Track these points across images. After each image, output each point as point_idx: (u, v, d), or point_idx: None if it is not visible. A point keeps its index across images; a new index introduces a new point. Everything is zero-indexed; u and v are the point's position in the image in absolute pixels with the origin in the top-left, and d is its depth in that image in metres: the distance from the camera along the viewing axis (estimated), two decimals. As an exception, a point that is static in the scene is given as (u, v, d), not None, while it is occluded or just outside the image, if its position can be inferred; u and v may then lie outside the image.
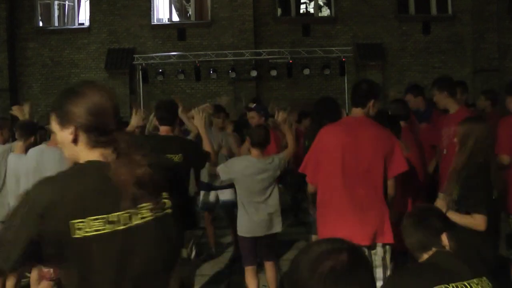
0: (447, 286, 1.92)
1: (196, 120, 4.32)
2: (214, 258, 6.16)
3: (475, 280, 1.97)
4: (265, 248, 4.36)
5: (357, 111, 3.62)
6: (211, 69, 14.26)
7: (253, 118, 5.84)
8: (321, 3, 16.88)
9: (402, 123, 4.36)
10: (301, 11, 17.65)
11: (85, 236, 1.48)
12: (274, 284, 4.44)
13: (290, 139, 4.50)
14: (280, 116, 4.51)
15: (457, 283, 1.94)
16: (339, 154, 3.33)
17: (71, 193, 1.49)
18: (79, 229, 1.48)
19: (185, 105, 4.93)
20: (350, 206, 3.31)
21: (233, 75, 14.22)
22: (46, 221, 1.46)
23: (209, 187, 5.89)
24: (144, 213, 1.56)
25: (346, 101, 13.94)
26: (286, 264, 5.85)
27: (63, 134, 1.61)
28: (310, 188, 3.60)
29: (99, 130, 1.59)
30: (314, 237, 4.84)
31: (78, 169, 1.58)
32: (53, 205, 1.47)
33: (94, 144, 1.60)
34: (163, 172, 1.62)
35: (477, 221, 3.10)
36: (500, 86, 10.88)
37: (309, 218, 5.16)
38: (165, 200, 1.61)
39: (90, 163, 1.58)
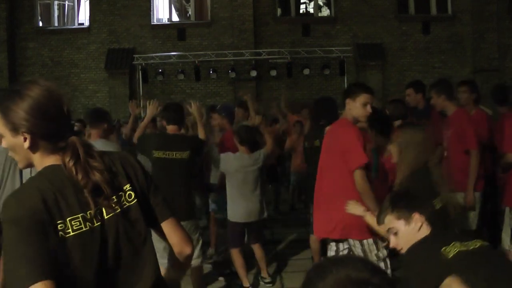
0: (460, 242, 2.12)
1: (193, 110, 4.61)
2: (214, 258, 6.18)
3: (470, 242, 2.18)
4: (255, 232, 5.01)
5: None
6: (211, 69, 14.26)
7: (215, 119, 6.03)
8: (321, 3, 16.88)
9: (399, 122, 4.38)
10: (301, 11, 17.65)
11: (66, 236, 1.50)
12: (263, 261, 5.09)
13: (267, 138, 4.98)
14: (256, 120, 5.09)
15: (464, 242, 2.13)
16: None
17: (49, 198, 1.50)
18: (61, 230, 1.50)
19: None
20: (316, 201, 3.74)
21: (233, 75, 14.22)
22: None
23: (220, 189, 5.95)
24: (108, 209, 1.60)
25: (346, 101, 13.94)
26: (285, 264, 5.85)
27: (15, 140, 1.58)
28: None
29: (53, 135, 1.58)
30: (312, 237, 4.95)
31: (45, 175, 1.57)
32: (39, 213, 1.48)
33: (51, 151, 1.59)
34: (126, 166, 1.68)
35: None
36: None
37: (310, 219, 5.20)
38: (129, 192, 1.65)
39: (51, 168, 1.58)
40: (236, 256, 4.86)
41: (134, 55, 14.45)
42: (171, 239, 1.76)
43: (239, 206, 4.82)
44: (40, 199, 1.48)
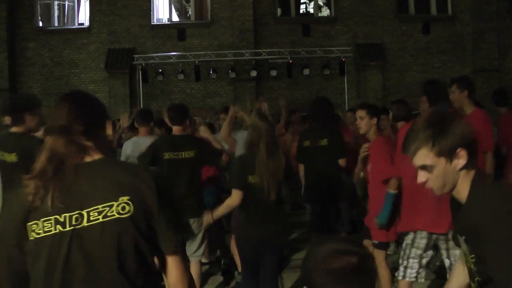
0: None
1: (202, 132, 5.04)
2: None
3: None
4: None
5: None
6: (211, 69, 14.26)
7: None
8: (321, 3, 16.88)
9: (402, 123, 4.38)
10: (301, 11, 17.65)
11: (36, 237, 1.53)
12: None
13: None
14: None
15: None
16: None
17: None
18: (33, 230, 1.54)
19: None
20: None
21: (233, 75, 14.22)
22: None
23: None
24: (92, 216, 1.56)
25: (346, 101, 13.95)
26: (285, 264, 5.86)
27: None
28: None
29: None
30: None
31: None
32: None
33: None
34: (134, 180, 1.61)
35: (231, 197, 3.72)
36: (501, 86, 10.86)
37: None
38: (124, 205, 1.57)
39: None
40: (235, 246, 4.74)
41: (134, 55, 14.44)
42: (168, 276, 1.67)
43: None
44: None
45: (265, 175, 3.60)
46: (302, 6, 18.05)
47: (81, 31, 15.19)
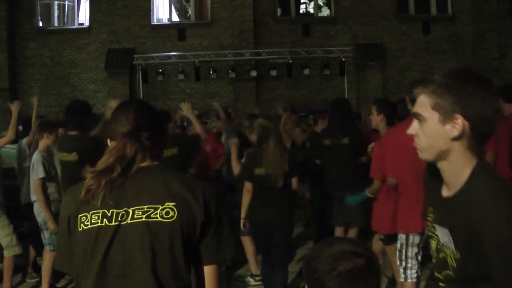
0: None
1: (185, 111, 5.00)
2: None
3: None
4: None
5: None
6: (211, 69, 14.25)
7: None
8: (321, 3, 16.87)
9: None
10: (301, 11, 17.64)
11: (84, 228, 1.65)
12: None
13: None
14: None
15: None
16: None
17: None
18: (82, 222, 1.65)
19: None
20: None
21: (233, 75, 14.21)
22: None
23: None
24: (136, 214, 1.64)
25: (346, 101, 13.92)
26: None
27: None
28: None
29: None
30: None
31: None
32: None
33: None
34: (185, 188, 1.69)
35: (245, 187, 4.28)
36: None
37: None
38: (169, 210, 1.64)
39: None
40: (248, 243, 5.16)
41: (134, 55, 14.44)
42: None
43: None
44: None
45: (273, 166, 4.16)
46: (302, 6, 18.04)
47: (81, 31, 15.19)
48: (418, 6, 15.29)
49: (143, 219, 1.62)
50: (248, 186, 4.28)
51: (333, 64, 14.32)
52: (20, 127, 6.65)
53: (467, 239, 1.44)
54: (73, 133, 4.23)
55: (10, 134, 5.11)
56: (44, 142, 4.84)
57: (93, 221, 1.63)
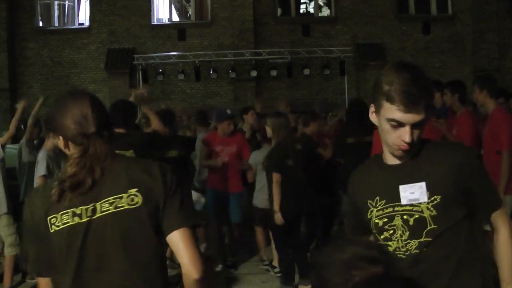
0: None
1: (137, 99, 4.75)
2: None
3: None
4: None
5: None
6: (211, 69, 14.25)
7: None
8: (321, 3, 16.88)
9: None
10: (301, 11, 17.64)
11: (56, 230, 1.64)
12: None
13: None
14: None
15: None
16: None
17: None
18: (53, 224, 1.64)
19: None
20: None
21: (233, 75, 14.21)
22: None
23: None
24: (104, 207, 1.64)
25: (346, 101, 13.93)
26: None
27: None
28: None
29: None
30: None
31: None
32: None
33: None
34: (140, 173, 1.69)
35: (274, 178, 4.68)
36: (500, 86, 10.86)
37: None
38: (133, 196, 1.65)
39: None
40: (260, 234, 5.74)
41: (134, 55, 14.44)
42: (179, 256, 1.65)
43: (264, 194, 5.37)
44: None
45: (294, 158, 4.81)
46: (302, 6, 18.04)
47: (81, 31, 15.19)
48: (418, 6, 15.29)
49: (111, 210, 1.63)
50: (277, 177, 4.69)
51: (333, 64, 14.31)
52: (22, 126, 6.69)
53: (449, 177, 1.68)
54: (120, 130, 4.37)
55: (11, 130, 5.21)
56: (51, 141, 4.92)
57: (64, 221, 1.62)
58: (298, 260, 4.89)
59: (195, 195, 6.31)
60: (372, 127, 5.97)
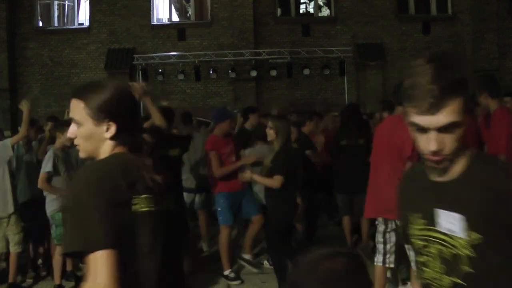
0: None
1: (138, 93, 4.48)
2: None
3: None
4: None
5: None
6: (211, 69, 14.25)
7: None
8: (321, 3, 16.88)
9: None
10: (301, 11, 17.65)
11: (139, 211, 1.69)
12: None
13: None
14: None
15: None
16: None
17: (125, 176, 1.70)
18: (134, 205, 1.69)
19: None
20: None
21: (233, 75, 14.21)
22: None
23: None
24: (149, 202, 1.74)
25: (346, 101, 13.93)
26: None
27: (96, 129, 1.69)
28: None
29: (131, 129, 1.74)
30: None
31: (116, 159, 1.72)
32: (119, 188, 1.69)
33: (122, 143, 1.74)
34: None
35: (274, 181, 4.72)
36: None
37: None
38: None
39: (118, 155, 1.73)
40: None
41: (134, 55, 14.44)
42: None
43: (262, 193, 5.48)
44: (119, 175, 1.64)
45: (296, 161, 4.98)
46: (302, 6, 18.05)
47: (81, 31, 15.19)
48: (418, 6, 15.29)
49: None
50: (281, 180, 4.77)
51: (333, 64, 14.31)
52: (19, 128, 6.72)
53: (495, 212, 1.36)
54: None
55: (22, 130, 5.31)
56: (59, 140, 5.17)
57: (142, 205, 1.69)
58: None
59: (189, 196, 6.34)
60: (366, 130, 6.31)
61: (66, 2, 15.79)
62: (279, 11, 15.67)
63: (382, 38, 15.00)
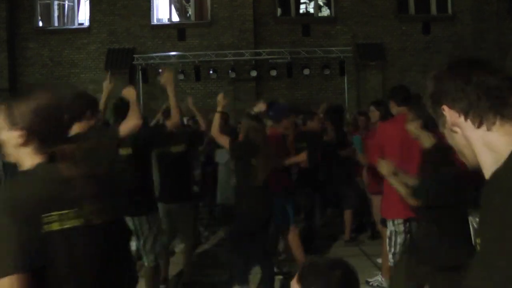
0: None
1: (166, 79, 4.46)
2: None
3: None
4: None
5: None
6: (211, 69, 14.25)
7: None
8: (321, 3, 16.88)
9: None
10: (301, 11, 17.64)
11: (53, 229, 1.61)
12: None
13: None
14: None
15: None
16: None
17: (42, 192, 1.63)
18: (47, 223, 1.60)
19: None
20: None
21: (233, 75, 14.21)
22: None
23: None
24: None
25: (346, 101, 13.94)
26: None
27: (9, 135, 1.67)
28: None
29: (47, 138, 1.68)
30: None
31: (36, 171, 1.66)
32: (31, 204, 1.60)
33: (40, 151, 1.68)
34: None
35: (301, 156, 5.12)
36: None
37: None
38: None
39: (41, 166, 1.68)
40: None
41: (134, 55, 14.44)
42: None
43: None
44: (32, 192, 1.60)
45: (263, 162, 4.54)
46: (302, 6, 18.04)
47: (81, 31, 15.19)
48: (418, 6, 15.29)
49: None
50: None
51: (333, 64, 14.32)
52: None
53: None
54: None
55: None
56: None
57: (61, 222, 1.71)
58: (267, 272, 4.74)
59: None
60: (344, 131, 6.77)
61: (66, 2, 15.79)
62: (279, 11, 15.67)
63: (382, 38, 15.00)
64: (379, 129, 4.77)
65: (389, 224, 4.23)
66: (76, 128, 3.73)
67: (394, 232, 4.20)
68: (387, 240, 4.26)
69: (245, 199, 4.59)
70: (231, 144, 4.64)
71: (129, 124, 3.52)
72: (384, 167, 3.46)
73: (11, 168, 5.66)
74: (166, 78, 4.51)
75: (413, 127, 3.41)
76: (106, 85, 4.35)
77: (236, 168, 4.92)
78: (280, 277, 5.43)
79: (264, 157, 4.48)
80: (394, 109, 4.48)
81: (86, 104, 3.47)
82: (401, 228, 4.17)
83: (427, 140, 3.33)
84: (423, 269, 3.15)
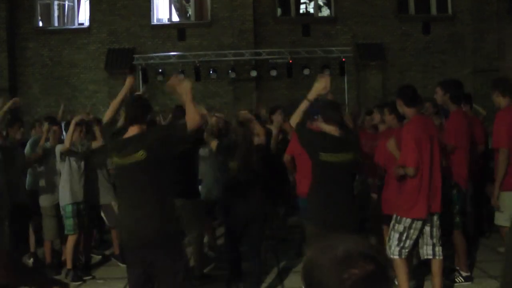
0: None
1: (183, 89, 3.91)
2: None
3: None
4: None
5: None
6: (211, 69, 14.24)
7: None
8: (321, 3, 16.88)
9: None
10: (301, 11, 17.64)
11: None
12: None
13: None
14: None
15: None
16: None
17: None
18: None
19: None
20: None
21: (233, 75, 14.21)
22: None
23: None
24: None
25: (346, 101, 13.93)
26: (286, 264, 5.85)
27: None
28: None
29: None
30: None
31: None
32: None
33: None
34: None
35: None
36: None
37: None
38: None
39: None
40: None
41: (134, 55, 14.43)
42: None
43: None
44: None
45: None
46: (302, 6, 18.04)
47: (81, 31, 15.19)
48: (418, 6, 15.29)
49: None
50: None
51: (333, 64, 14.30)
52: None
53: None
54: (136, 128, 4.48)
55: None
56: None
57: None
58: (256, 269, 4.87)
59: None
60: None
61: (66, 2, 15.79)
62: (279, 11, 15.67)
63: (382, 38, 15.00)
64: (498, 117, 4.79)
65: (403, 220, 4.35)
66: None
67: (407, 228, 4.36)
68: (397, 235, 4.36)
69: (230, 196, 4.92)
70: (217, 148, 5.06)
71: (195, 120, 3.67)
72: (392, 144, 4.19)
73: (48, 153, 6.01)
74: (183, 89, 3.94)
75: None
76: (129, 80, 4.47)
77: (220, 166, 5.40)
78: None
79: (243, 157, 4.82)
80: (401, 108, 4.52)
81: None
82: (419, 225, 4.36)
83: None
84: None
